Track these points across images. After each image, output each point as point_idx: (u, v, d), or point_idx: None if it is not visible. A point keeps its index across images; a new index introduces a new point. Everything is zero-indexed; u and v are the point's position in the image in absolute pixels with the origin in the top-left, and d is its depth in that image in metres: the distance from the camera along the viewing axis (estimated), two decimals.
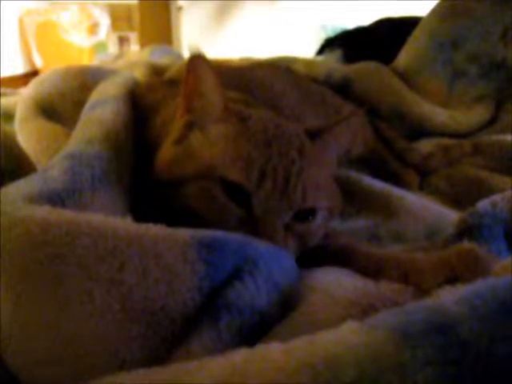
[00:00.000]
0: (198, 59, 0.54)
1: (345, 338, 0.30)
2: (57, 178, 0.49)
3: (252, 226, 0.51)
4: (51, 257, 0.37)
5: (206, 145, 0.55)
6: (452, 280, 0.46)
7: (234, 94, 0.69)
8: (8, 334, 0.37)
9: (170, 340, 0.38)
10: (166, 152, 0.57)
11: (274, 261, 0.45)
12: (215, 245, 0.41)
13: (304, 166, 0.54)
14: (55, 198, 0.46)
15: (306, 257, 0.55)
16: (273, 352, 0.31)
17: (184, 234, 0.42)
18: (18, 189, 0.45)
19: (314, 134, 0.59)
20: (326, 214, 0.57)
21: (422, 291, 0.46)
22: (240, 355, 0.31)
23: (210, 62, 0.54)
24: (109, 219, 0.41)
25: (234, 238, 0.44)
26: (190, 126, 0.57)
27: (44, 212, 0.40)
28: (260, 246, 0.46)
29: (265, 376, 0.29)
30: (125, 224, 0.41)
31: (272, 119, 0.59)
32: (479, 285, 0.34)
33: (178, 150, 0.56)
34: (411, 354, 0.28)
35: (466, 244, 0.50)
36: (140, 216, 0.54)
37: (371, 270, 0.53)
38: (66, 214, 0.40)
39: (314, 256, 0.56)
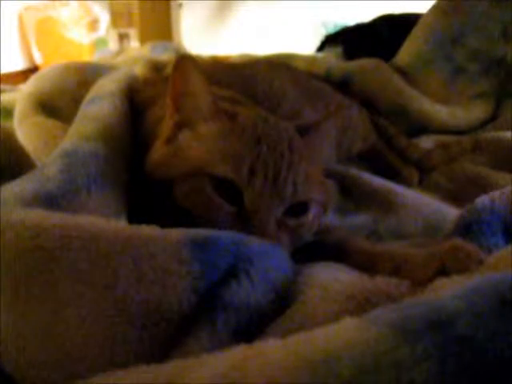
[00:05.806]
0: (184, 60, 0.54)
1: (343, 334, 0.30)
2: (52, 178, 0.48)
3: (244, 222, 0.51)
4: (43, 261, 0.37)
5: (196, 143, 0.55)
6: (442, 273, 0.46)
7: (224, 92, 0.68)
8: (3, 337, 0.37)
9: (166, 341, 0.38)
10: (157, 152, 0.57)
11: (269, 257, 0.45)
12: (209, 244, 0.41)
13: (294, 161, 0.54)
14: (50, 199, 0.46)
15: (301, 252, 0.55)
16: (271, 348, 0.31)
17: (177, 234, 0.41)
18: (13, 190, 0.45)
19: (303, 129, 0.60)
20: (318, 208, 0.57)
21: (416, 284, 0.46)
22: (239, 352, 0.31)
23: (197, 61, 0.54)
24: (101, 221, 0.41)
25: (228, 236, 0.44)
26: (179, 126, 0.57)
27: (35, 216, 0.39)
28: (254, 243, 0.45)
29: (263, 372, 0.29)
30: (117, 226, 0.41)
31: (261, 116, 0.59)
32: (478, 280, 0.33)
33: (169, 150, 0.56)
34: (410, 349, 0.28)
35: (457, 240, 0.50)
36: (138, 212, 0.54)
37: (365, 264, 0.53)
38: (58, 218, 0.40)
39: (309, 251, 0.56)
